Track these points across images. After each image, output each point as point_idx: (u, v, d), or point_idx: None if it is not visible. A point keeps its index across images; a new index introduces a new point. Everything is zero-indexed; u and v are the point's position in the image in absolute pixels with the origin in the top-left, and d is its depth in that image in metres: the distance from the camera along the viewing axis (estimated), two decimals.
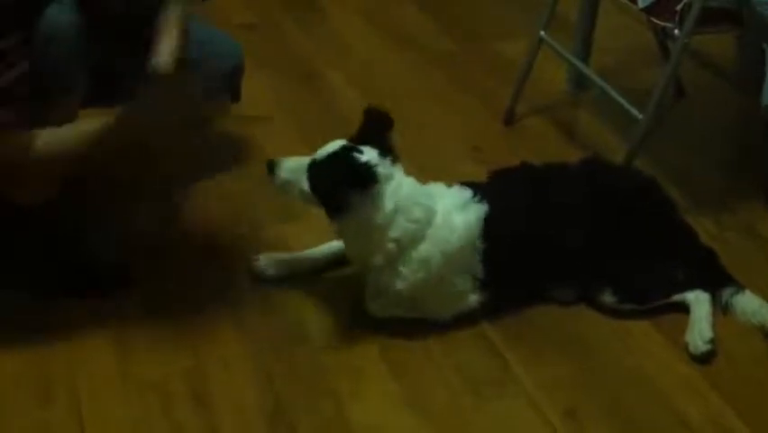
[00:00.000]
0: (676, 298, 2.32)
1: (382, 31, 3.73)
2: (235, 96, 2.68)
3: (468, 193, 2.26)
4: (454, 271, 2.23)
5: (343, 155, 2.15)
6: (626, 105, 2.70)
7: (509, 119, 3.12)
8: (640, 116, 2.62)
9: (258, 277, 2.40)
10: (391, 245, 2.17)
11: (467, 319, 2.30)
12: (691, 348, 2.22)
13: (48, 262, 2.34)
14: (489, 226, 2.22)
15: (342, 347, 2.24)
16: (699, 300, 2.29)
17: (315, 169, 2.16)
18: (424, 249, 2.18)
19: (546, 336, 2.28)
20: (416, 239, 2.17)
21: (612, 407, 2.09)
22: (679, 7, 2.50)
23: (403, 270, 2.19)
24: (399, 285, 2.21)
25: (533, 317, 2.33)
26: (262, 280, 2.39)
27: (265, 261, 2.41)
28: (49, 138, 2.05)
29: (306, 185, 2.17)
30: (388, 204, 2.14)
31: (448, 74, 3.44)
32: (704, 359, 2.20)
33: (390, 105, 3.09)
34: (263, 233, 2.58)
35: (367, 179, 2.11)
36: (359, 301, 2.33)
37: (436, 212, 2.20)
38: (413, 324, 2.29)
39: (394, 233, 2.16)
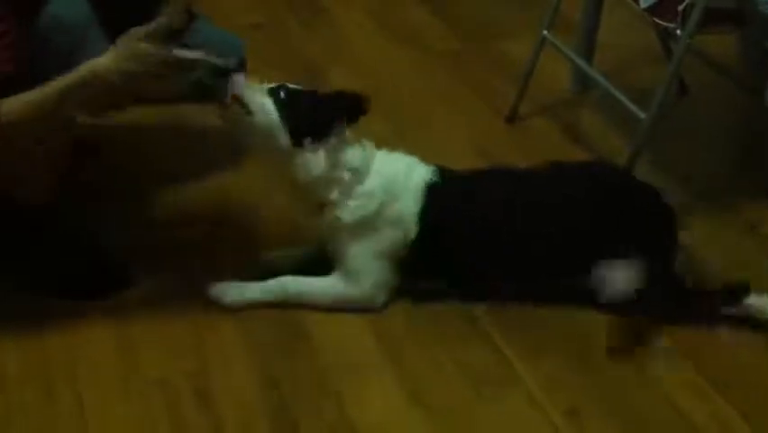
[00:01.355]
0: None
1: (386, 30, 3.74)
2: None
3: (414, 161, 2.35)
4: (389, 218, 2.28)
5: (316, 93, 2.28)
6: (629, 105, 2.70)
7: (512, 118, 3.13)
8: (643, 115, 2.62)
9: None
10: (347, 175, 2.24)
11: (468, 317, 2.32)
12: None
13: (49, 262, 2.34)
14: (433, 197, 2.29)
15: (344, 345, 2.25)
16: None
17: (303, 99, 2.24)
18: (369, 182, 2.27)
19: (548, 334, 2.29)
20: (364, 172, 2.26)
21: (614, 406, 2.10)
22: (681, 7, 2.50)
23: (351, 203, 2.26)
24: (346, 217, 2.26)
25: (535, 316, 2.34)
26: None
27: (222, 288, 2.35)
28: (16, 100, 2.03)
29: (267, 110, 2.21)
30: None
31: (452, 73, 3.44)
32: None
33: (394, 104, 3.14)
34: (264, 230, 2.58)
35: (359, 111, 2.25)
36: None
37: (377, 153, 2.32)
38: (414, 321, 2.30)
39: (351, 162, 2.25)
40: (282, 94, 2.22)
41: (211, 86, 2.31)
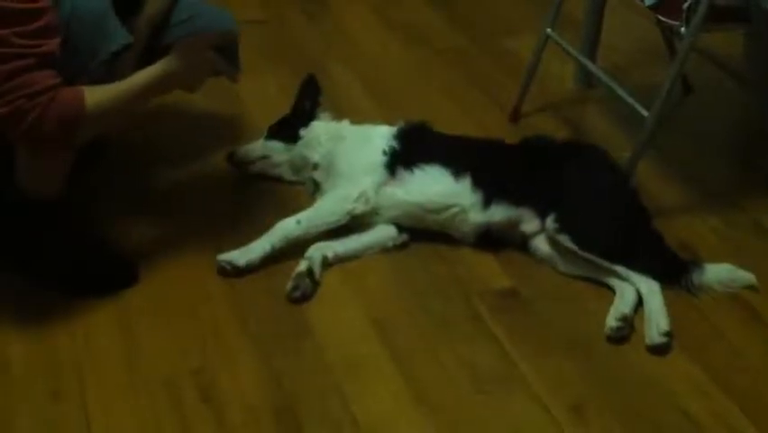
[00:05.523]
0: (620, 270, 2.36)
1: (390, 27, 3.74)
2: (233, 63, 2.69)
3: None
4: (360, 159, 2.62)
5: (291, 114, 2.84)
6: (633, 103, 2.69)
7: (516, 116, 3.13)
8: (646, 114, 2.62)
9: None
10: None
11: (472, 316, 2.32)
12: (647, 341, 2.24)
13: (54, 258, 2.34)
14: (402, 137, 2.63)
15: (347, 343, 2.25)
16: (652, 292, 2.32)
17: (295, 117, 2.80)
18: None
19: (552, 332, 2.29)
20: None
21: (617, 403, 2.10)
22: (686, 5, 2.50)
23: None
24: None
25: (539, 315, 2.34)
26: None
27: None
28: (102, 92, 2.14)
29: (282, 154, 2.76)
30: None
31: (456, 70, 3.44)
32: (660, 351, 2.22)
33: (398, 101, 3.14)
34: (265, 227, 2.58)
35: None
36: (362, 297, 2.37)
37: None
38: (418, 319, 2.30)
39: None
40: (279, 129, 2.78)
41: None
